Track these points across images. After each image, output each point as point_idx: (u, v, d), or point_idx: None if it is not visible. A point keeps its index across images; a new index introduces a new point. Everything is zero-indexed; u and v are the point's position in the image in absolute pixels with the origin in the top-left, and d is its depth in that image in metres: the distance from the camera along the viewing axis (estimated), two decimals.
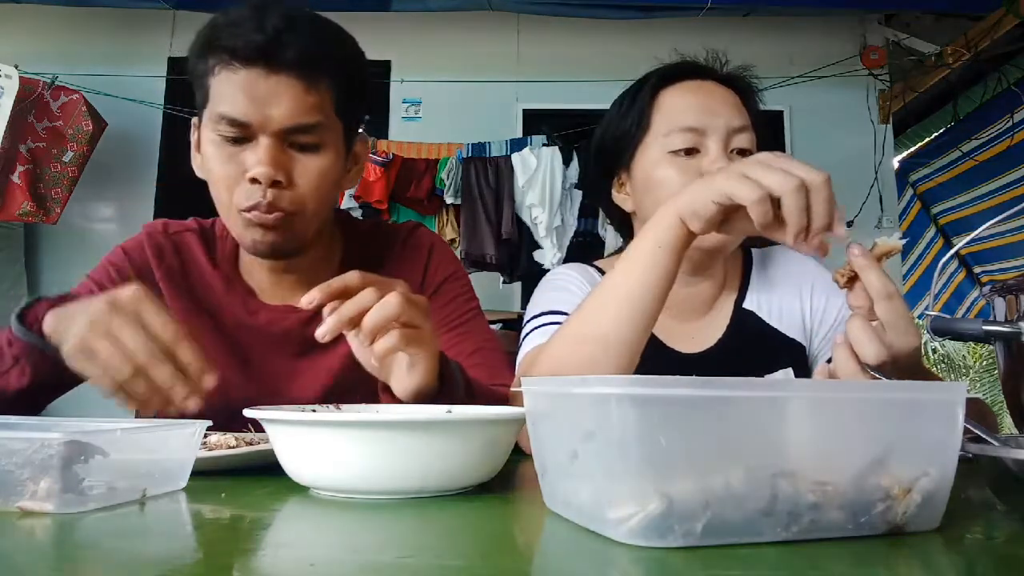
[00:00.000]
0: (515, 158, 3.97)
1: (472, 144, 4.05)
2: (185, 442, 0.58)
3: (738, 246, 1.08)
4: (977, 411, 0.99)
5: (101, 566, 0.40)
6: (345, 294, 0.67)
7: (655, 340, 1.04)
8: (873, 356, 0.67)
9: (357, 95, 0.94)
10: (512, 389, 0.88)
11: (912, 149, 5.03)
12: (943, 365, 8.03)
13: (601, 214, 3.69)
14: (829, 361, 0.72)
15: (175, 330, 0.68)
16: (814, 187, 0.67)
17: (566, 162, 3.93)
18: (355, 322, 0.66)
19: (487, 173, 3.97)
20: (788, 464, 0.41)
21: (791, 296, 1.10)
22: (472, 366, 0.90)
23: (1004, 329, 0.61)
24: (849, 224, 3.72)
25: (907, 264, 4.98)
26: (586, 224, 4.02)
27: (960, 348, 7.85)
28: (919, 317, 0.67)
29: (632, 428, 0.40)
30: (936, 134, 4.76)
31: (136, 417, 0.79)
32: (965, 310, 4.83)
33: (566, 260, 3.70)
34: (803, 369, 1.08)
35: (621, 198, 1.11)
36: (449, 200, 3.99)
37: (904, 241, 0.71)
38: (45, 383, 0.83)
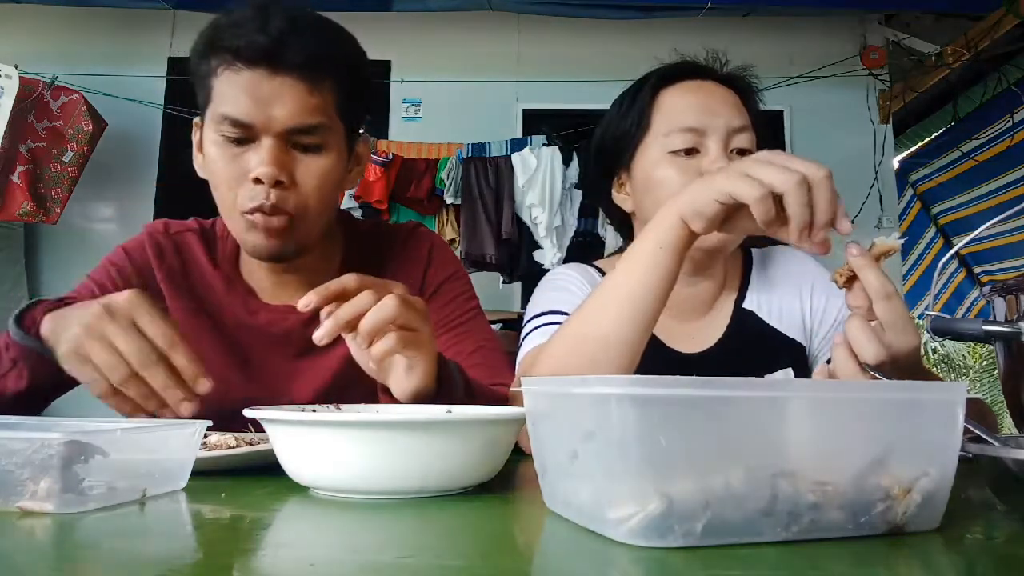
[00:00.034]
0: (515, 158, 3.97)
1: (472, 144, 4.05)
2: (185, 442, 0.58)
3: (738, 246, 1.08)
4: (977, 411, 0.99)
5: (101, 566, 0.40)
6: (342, 296, 0.67)
7: (655, 340, 1.04)
8: (872, 356, 0.67)
9: (359, 96, 0.94)
10: (512, 389, 0.88)
11: (912, 149, 5.03)
12: (943, 365, 8.03)
13: (601, 214, 3.69)
14: (829, 361, 0.72)
15: (170, 334, 0.68)
16: (816, 182, 0.67)
17: (566, 162, 3.93)
18: (352, 324, 0.66)
19: (487, 173, 3.97)
20: (788, 464, 0.41)
21: (791, 296, 1.10)
22: (472, 366, 0.90)
23: (1004, 329, 0.61)
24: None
25: (907, 264, 4.98)
26: (586, 224, 4.02)
27: (960, 348, 7.85)
28: (919, 317, 0.67)
29: (632, 428, 0.40)
30: (936, 134, 4.76)
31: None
32: (965, 310, 4.83)
33: (566, 260, 3.70)
34: (803, 369, 1.08)
35: (621, 198, 1.11)
36: (449, 200, 3.99)
37: (902, 241, 0.71)
38: (43, 385, 0.83)
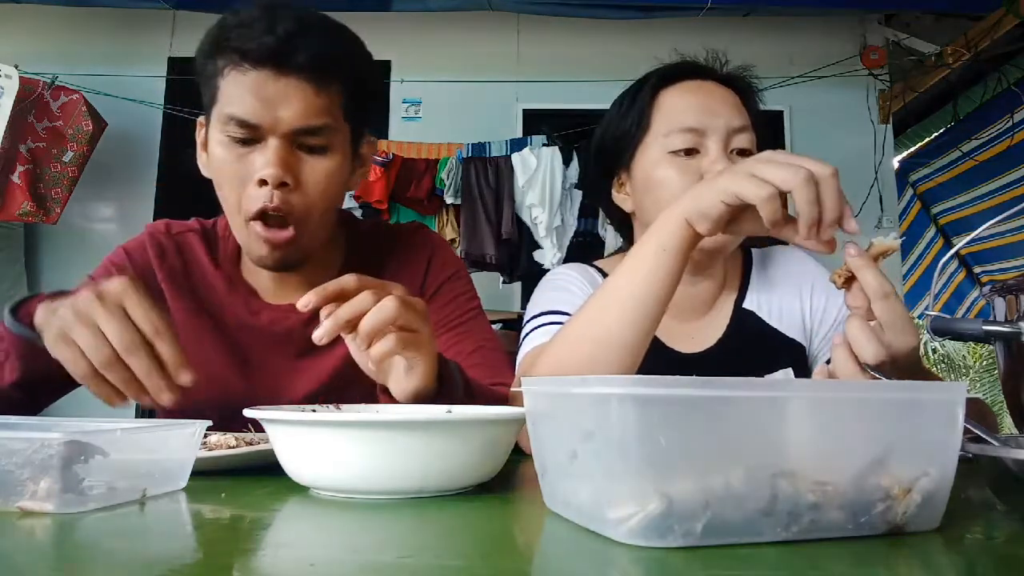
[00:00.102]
0: (515, 158, 3.97)
1: (472, 144, 4.05)
2: (185, 442, 0.58)
3: (738, 246, 1.08)
4: (977, 411, 0.99)
5: (101, 566, 0.40)
6: (342, 297, 0.67)
7: (655, 340, 1.03)
8: (872, 356, 0.67)
9: (365, 97, 0.94)
10: (512, 389, 0.88)
11: (912, 149, 5.03)
12: (943, 365, 8.03)
13: (601, 214, 3.69)
14: (828, 361, 0.72)
15: (157, 323, 0.67)
16: (823, 179, 0.67)
17: (566, 162, 3.93)
18: (352, 325, 0.66)
19: (487, 173, 3.97)
20: (788, 464, 0.41)
21: (791, 296, 1.10)
22: (472, 365, 0.90)
23: (1004, 329, 0.61)
24: None
25: (907, 264, 4.98)
26: (586, 224, 4.01)
27: (960, 348, 7.85)
28: (919, 317, 0.67)
29: (632, 428, 0.40)
30: (936, 134, 4.76)
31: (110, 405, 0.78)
32: (965, 310, 4.83)
33: (566, 260, 3.70)
34: (803, 369, 1.08)
35: (621, 198, 1.10)
36: (449, 200, 3.99)
37: (900, 241, 0.71)
38: (36, 379, 0.83)
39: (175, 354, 0.68)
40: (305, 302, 0.65)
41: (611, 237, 3.75)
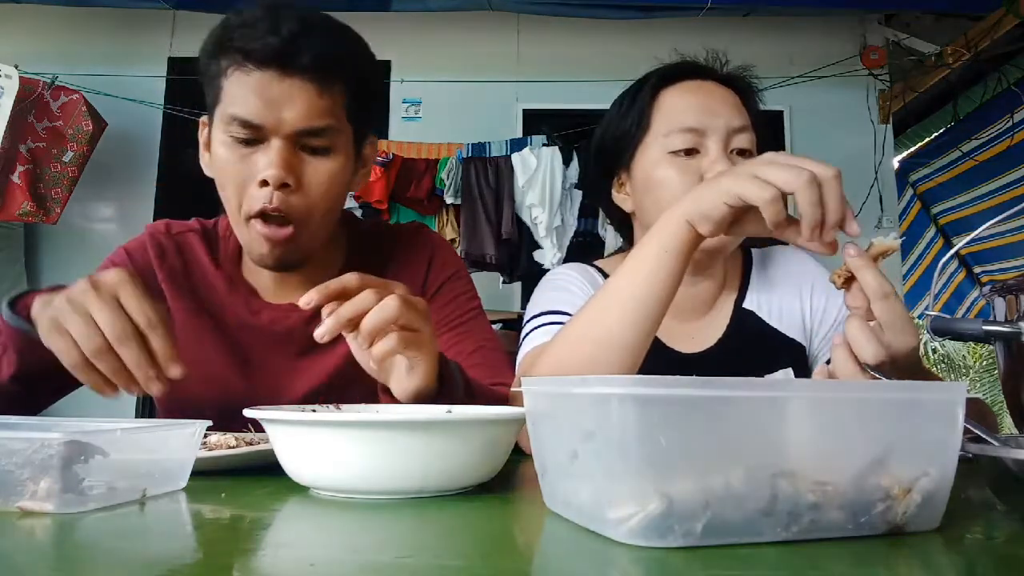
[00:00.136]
0: (515, 158, 3.97)
1: (472, 144, 4.05)
2: (185, 442, 0.58)
3: (738, 246, 1.08)
4: (977, 411, 0.99)
5: (101, 566, 0.40)
6: (343, 295, 0.67)
7: (655, 340, 1.03)
8: (872, 356, 0.67)
9: (368, 98, 0.94)
10: (512, 389, 0.88)
11: (912, 149, 5.03)
12: (943, 365, 8.03)
13: (601, 214, 3.69)
14: (828, 362, 0.72)
15: (151, 315, 0.68)
16: (825, 180, 0.67)
17: (566, 162, 3.93)
18: (353, 323, 0.66)
19: (487, 173, 3.97)
20: (788, 464, 0.41)
21: (791, 296, 1.10)
22: (472, 365, 0.90)
23: (1004, 329, 0.61)
24: None
25: (907, 264, 4.98)
26: (586, 224, 4.02)
27: (960, 348, 7.85)
28: (919, 317, 0.67)
29: (632, 428, 0.40)
30: (936, 134, 4.76)
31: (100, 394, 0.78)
32: (965, 310, 4.83)
33: (566, 260, 3.70)
34: (803, 369, 1.08)
35: (621, 198, 1.10)
36: (449, 200, 3.99)
37: (900, 241, 0.71)
38: (34, 373, 0.83)
39: (166, 347, 0.68)
40: (307, 300, 0.65)
41: (611, 237, 3.75)
